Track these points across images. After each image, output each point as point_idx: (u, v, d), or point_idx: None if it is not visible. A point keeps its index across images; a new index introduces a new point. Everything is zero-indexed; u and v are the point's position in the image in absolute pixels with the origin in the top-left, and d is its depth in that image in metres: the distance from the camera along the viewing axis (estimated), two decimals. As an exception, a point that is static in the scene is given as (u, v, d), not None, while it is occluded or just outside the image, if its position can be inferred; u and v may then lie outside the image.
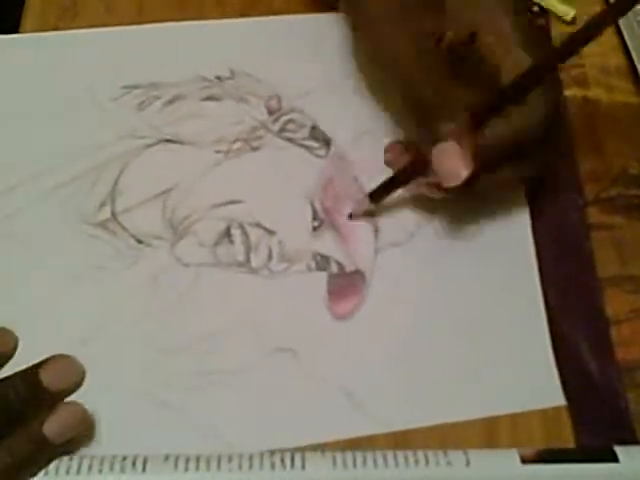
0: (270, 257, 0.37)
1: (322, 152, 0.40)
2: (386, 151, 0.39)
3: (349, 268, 0.37)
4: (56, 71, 0.42)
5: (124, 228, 0.37)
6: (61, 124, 0.40)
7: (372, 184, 0.38)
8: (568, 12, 0.46)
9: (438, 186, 0.34)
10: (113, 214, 0.38)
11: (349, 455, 0.30)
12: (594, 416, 0.34)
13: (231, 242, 0.37)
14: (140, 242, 0.37)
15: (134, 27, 0.44)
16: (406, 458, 0.30)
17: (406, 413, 0.33)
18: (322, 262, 0.37)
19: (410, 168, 0.36)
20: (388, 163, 0.39)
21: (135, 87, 0.42)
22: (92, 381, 0.31)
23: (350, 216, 0.38)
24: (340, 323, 0.36)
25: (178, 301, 0.36)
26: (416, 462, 0.30)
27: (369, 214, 0.38)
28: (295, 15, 0.45)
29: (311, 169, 0.40)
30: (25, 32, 0.44)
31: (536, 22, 0.45)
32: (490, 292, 0.37)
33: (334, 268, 0.37)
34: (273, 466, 0.29)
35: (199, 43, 0.43)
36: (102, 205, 0.38)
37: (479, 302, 0.37)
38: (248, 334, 0.35)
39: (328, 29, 0.44)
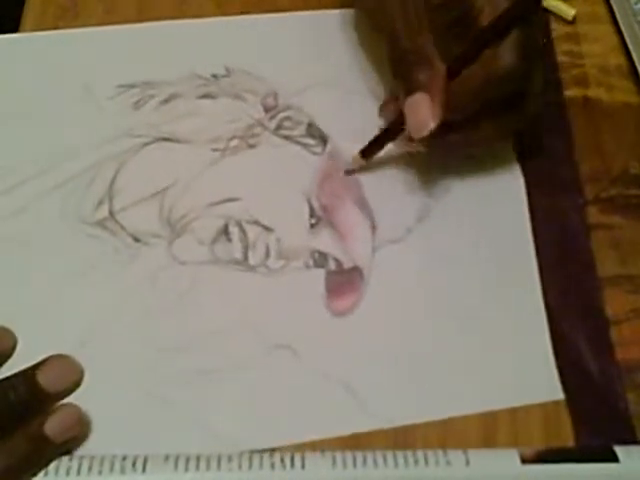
0: (268, 254, 0.37)
1: (319, 149, 0.40)
2: (381, 108, 0.40)
3: (347, 265, 0.37)
4: (54, 70, 0.42)
5: (122, 227, 0.37)
6: (59, 123, 0.40)
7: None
8: (569, 12, 0.46)
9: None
10: (111, 213, 0.38)
11: (349, 455, 0.30)
12: (594, 416, 0.34)
13: (229, 240, 0.37)
14: (138, 241, 0.37)
15: (129, 26, 0.44)
16: (406, 458, 0.30)
17: (406, 408, 0.33)
18: (320, 259, 0.37)
19: (398, 122, 0.36)
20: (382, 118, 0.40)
21: (131, 86, 0.42)
22: (92, 381, 0.30)
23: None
24: (339, 320, 0.36)
25: (176, 300, 0.36)
26: (416, 462, 0.30)
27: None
28: (291, 13, 0.45)
29: (308, 166, 0.40)
30: (25, 32, 0.44)
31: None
32: (489, 287, 0.37)
33: (332, 265, 0.37)
34: (273, 466, 0.29)
35: (195, 41, 0.43)
36: (100, 204, 0.38)
37: (477, 297, 0.37)
38: (247, 332, 0.35)
39: (325, 26, 0.44)
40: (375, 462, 0.29)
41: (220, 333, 0.34)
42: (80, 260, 0.36)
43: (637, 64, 0.43)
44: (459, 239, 0.38)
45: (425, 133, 0.33)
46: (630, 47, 0.44)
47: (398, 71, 0.35)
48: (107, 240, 0.37)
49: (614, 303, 0.37)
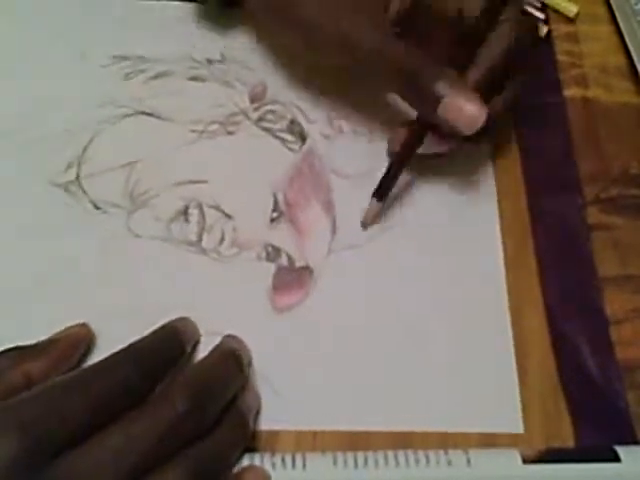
0: (222, 240, 0.37)
1: (296, 146, 0.40)
2: (390, 142, 0.39)
3: (299, 263, 0.37)
4: (53, 31, 0.43)
5: (85, 192, 0.38)
6: (48, 83, 0.41)
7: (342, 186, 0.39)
8: (571, 8, 0.45)
9: (445, 138, 0.36)
10: (77, 177, 0.38)
11: (350, 455, 0.30)
12: (594, 416, 0.34)
13: (187, 221, 0.37)
14: (97, 208, 0.37)
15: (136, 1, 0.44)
16: (406, 458, 0.30)
17: (320, 411, 0.33)
18: (273, 253, 0.37)
19: (405, 146, 0.37)
20: (392, 154, 0.39)
21: (125, 58, 0.42)
22: (25, 334, 0.31)
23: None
24: (278, 315, 0.35)
25: (122, 270, 0.36)
26: (417, 462, 0.30)
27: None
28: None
29: (281, 161, 0.40)
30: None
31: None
32: (444, 305, 0.36)
33: (284, 261, 0.37)
34: (274, 466, 0.29)
35: (195, 24, 0.44)
36: (69, 167, 0.38)
37: (429, 313, 0.36)
38: (185, 313, 0.34)
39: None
40: (376, 462, 0.29)
41: (158, 309, 0.34)
42: (37, 217, 0.37)
43: (637, 64, 0.43)
44: (421, 253, 0.38)
45: (480, 124, 0.33)
46: (630, 47, 0.44)
47: (413, 92, 0.35)
48: (67, 203, 0.37)
49: (614, 303, 0.37)
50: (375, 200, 0.37)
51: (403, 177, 0.38)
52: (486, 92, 0.35)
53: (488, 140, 0.40)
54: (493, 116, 0.35)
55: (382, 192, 0.37)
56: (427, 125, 0.36)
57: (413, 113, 0.36)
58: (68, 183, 0.38)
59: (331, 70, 0.41)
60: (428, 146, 0.37)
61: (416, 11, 0.35)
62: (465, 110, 0.33)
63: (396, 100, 0.39)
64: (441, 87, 0.33)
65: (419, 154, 0.37)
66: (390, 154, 0.40)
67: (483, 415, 0.34)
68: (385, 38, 0.35)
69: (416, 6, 0.35)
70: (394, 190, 0.38)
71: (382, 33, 0.35)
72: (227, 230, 0.37)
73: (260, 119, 0.41)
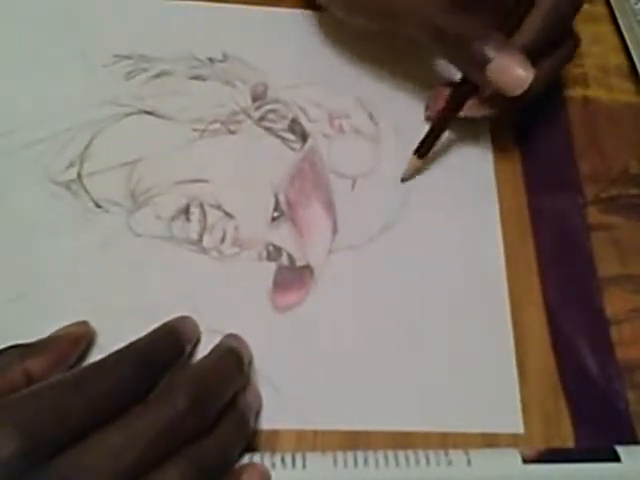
0: (223, 240, 0.37)
1: (297, 145, 0.40)
2: (427, 108, 0.41)
3: (299, 263, 0.37)
4: (54, 30, 0.42)
5: (86, 191, 0.38)
6: (49, 82, 0.41)
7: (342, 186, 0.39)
8: None
9: (489, 102, 0.36)
10: (79, 175, 0.38)
11: (350, 454, 0.30)
12: (594, 416, 0.34)
13: (188, 220, 0.37)
14: (99, 207, 0.37)
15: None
16: (407, 458, 0.30)
17: (320, 411, 0.33)
18: (274, 252, 0.37)
19: (451, 106, 0.38)
20: (429, 117, 0.41)
21: (127, 57, 0.42)
22: (26, 334, 0.31)
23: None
24: (278, 315, 0.35)
25: (124, 269, 0.36)
26: (417, 462, 0.30)
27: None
28: (295, 9, 0.45)
29: (283, 160, 0.40)
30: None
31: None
32: (447, 306, 0.36)
33: (285, 260, 0.37)
34: (274, 466, 0.29)
35: (197, 23, 0.44)
36: (70, 166, 0.38)
37: (434, 318, 0.36)
38: (186, 311, 0.34)
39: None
40: (376, 462, 0.30)
41: (160, 307, 0.34)
42: (38, 215, 0.37)
43: (637, 64, 0.43)
44: (421, 253, 0.38)
45: (526, 85, 0.34)
46: (630, 47, 0.44)
47: (460, 55, 0.36)
48: (69, 201, 0.37)
49: (614, 303, 0.37)
50: (416, 157, 0.38)
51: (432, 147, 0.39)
52: (533, 58, 0.35)
53: (524, 107, 0.40)
54: (540, 82, 0.36)
55: (424, 150, 0.38)
56: (471, 87, 0.37)
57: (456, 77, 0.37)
58: (69, 182, 0.38)
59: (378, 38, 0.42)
60: (468, 110, 0.38)
61: None
62: (513, 71, 0.34)
63: (441, 66, 0.41)
64: (489, 49, 0.34)
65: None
66: (427, 115, 0.41)
67: (483, 415, 0.34)
68: (433, 2, 0.35)
69: None
70: (395, 190, 0.38)
71: None
72: (228, 229, 0.37)
73: (261, 118, 0.41)
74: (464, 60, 0.36)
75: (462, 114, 0.38)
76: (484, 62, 0.34)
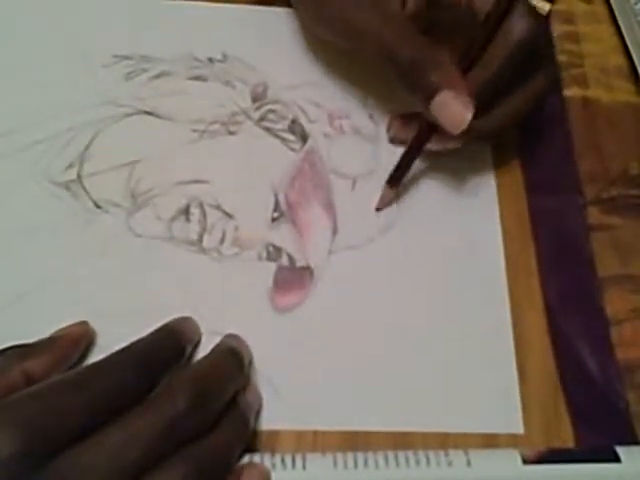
0: (223, 240, 0.37)
1: (297, 146, 0.40)
2: (389, 129, 0.40)
3: (299, 263, 0.37)
4: (54, 30, 0.42)
5: (86, 191, 0.38)
6: (49, 83, 0.41)
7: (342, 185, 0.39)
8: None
9: (448, 137, 0.35)
10: (79, 176, 0.38)
11: (350, 455, 0.30)
12: (594, 416, 0.34)
13: (188, 220, 0.37)
14: (98, 207, 0.37)
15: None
16: (407, 458, 0.30)
17: (320, 411, 0.33)
18: (274, 253, 0.37)
19: (419, 136, 0.37)
20: (393, 139, 0.40)
21: (127, 57, 0.42)
22: (26, 334, 0.31)
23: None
24: (278, 316, 0.35)
25: (123, 269, 0.36)
26: (417, 462, 0.30)
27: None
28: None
29: (282, 161, 0.40)
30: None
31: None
32: (451, 312, 0.36)
33: (285, 261, 0.37)
34: (274, 467, 0.29)
35: (197, 23, 0.44)
36: (70, 166, 0.38)
37: (434, 319, 0.36)
38: (186, 312, 0.34)
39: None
40: (376, 463, 0.29)
41: (158, 309, 0.34)
42: (38, 216, 0.37)
43: (637, 64, 0.43)
44: (421, 254, 0.38)
45: (464, 126, 0.33)
46: (630, 47, 0.44)
47: (410, 82, 0.35)
48: (68, 202, 0.37)
49: (614, 303, 0.37)
50: (388, 187, 0.38)
51: (403, 177, 0.38)
52: (497, 91, 0.35)
53: (489, 141, 0.40)
54: (496, 122, 0.35)
55: (394, 180, 0.38)
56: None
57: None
58: (69, 182, 0.38)
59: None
60: (435, 142, 0.37)
61: (433, 9, 0.35)
62: (452, 109, 0.33)
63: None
64: (436, 81, 0.33)
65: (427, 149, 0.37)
66: (389, 137, 0.40)
67: (483, 416, 0.34)
68: (387, 23, 0.35)
69: (432, 4, 0.35)
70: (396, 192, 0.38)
71: (385, 19, 0.35)
72: (228, 230, 0.37)
73: (261, 119, 0.41)
74: (414, 89, 0.35)
75: (429, 147, 0.37)
76: (431, 94, 0.33)
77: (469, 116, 0.33)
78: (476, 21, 0.34)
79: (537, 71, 0.36)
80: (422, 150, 0.37)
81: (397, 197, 0.39)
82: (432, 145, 0.37)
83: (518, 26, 0.33)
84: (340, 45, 0.39)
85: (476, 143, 0.40)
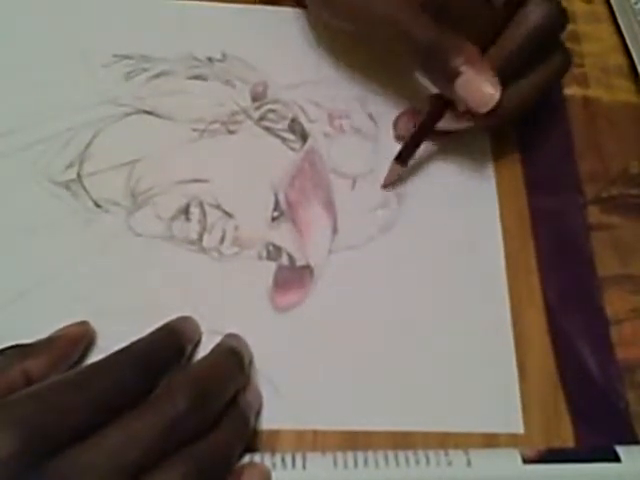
0: (223, 239, 0.37)
1: (297, 145, 0.40)
2: (395, 126, 0.40)
3: (299, 262, 0.37)
4: (54, 30, 0.42)
5: (86, 190, 0.38)
6: (49, 83, 0.41)
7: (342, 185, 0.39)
8: None
9: (466, 115, 0.35)
10: (79, 175, 0.38)
11: (350, 455, 0.30)
12: (594, 416, 0.34)
13: (188, 219, 0.37)
14: (99, 206, 0.37)
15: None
16: (407, 458, 0.30)
17: (320, 411, 0.33)
18: (274, 252, 0.37)
19: (429, 117, 0.37)
20: (399, 136, 0.40)
21: (127, 57, 0.42)
22: (26, 334, 0.31)
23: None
24: (278, 315, 0.35)
25: (123, 269, 0.36)
26: (417, 462, 0.30)
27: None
28: (295, 8, 0.45)
29: (282, 160, 0.40)
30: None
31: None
32: (451, 311, 0.36)
33: (285, 260, 0.37)
34: (274, 466, 0.29)
35: (197, 23, 0.44)
36: (70, 166, 0.38)
37: (434, 318, 0.36)
38: (186, 311, 0.34)
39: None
40: (376, 462, 0.29)
41: (159, 307, 0.34)
42: (38, 215, 0.37)
43: (637, 64, 0.43)
44: (421, 253, 0.38)
45: (493, 103, 0.33)
46: (630, 47, 0.44)
47: (431, 66, 0.35)
48: (68, 201, 0.37)
49: (614, 303, 0.37)
50: (396, 163, 0.38)
51: (404, 176, 0.38)
52: (512, 72, 0.35)
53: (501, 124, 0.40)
54: (524, 98, 0.35)
55: (403, 158, 0.38)
56: (447, 100, 0.36)
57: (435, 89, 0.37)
58: (69, 182, 0.38)
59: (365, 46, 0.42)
60: (446, 122, 0.37)
61: None
62: (480, 88, 0.33)
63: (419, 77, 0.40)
64: (460, 63, 0.33)
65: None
66: (396, 134, 0.40)
67: (483, 415, 0.34)
68: (403, 8, 0.35)
69: None
70: (395, 190, 0.39)
71: (401, 3, 0.35)
72: (228, 229, 0.37)
73: (261, 118, 0.41)
74: (435, 72, 0.35)
75: (439, 126, 0.37)
76: (454, 75, 0.33)
77: (497, 94, 0.33)
78: (485, 7, 0.34)
79: (549, 57, 0.36)
80: (433, 129, 0.38)
81: (404, 176, 0.39)
82: (443, 124, 0.37)
83: (536, 12, 0.34)
84: (347, 29, 0.39)
85: (480, 135, 0.40)
